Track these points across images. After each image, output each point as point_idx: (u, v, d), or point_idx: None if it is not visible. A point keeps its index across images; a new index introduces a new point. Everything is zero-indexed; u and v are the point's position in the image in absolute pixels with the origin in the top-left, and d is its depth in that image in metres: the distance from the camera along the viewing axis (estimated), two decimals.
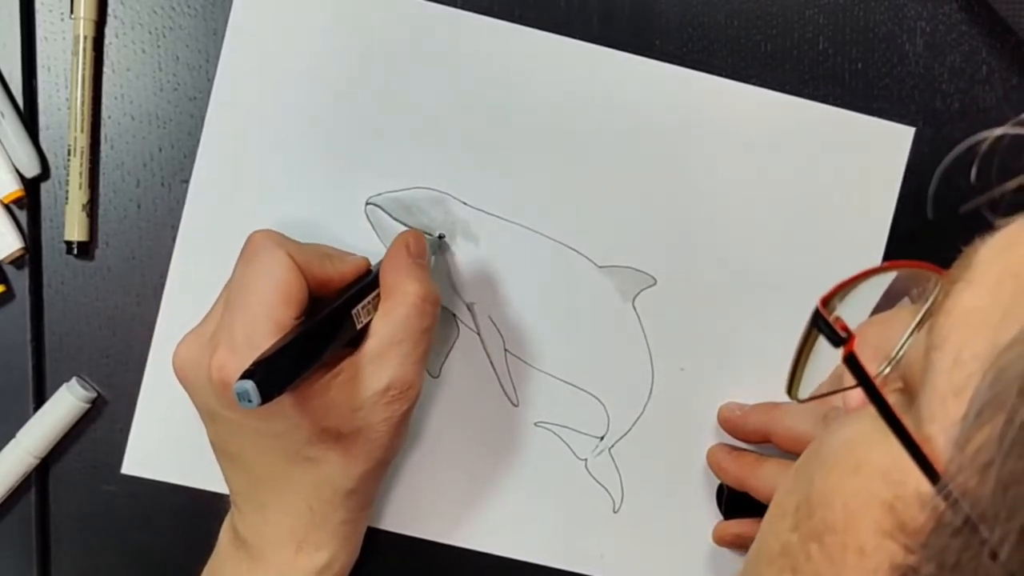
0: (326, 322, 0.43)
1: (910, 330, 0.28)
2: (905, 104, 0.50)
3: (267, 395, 0.38)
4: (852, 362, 0.26)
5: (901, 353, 0.29)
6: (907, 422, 0.24)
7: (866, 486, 0.25)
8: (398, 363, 0.43)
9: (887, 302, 0.30)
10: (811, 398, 0.30)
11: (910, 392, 0.26)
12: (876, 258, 0.50)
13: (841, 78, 0.50)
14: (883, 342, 0.29)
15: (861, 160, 0.50)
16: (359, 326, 0.43)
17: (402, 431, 0.45)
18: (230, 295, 0.43)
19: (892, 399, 0.26)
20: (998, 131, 0.29)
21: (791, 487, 0.30)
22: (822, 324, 0.28)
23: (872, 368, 0.28)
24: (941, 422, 0.23)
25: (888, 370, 0.29)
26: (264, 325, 0.41)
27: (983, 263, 0.25)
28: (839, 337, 0.27)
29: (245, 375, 0.38)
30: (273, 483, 0.44)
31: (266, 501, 0.45)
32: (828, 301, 0.28)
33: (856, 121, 0.50)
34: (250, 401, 0.37)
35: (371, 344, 0.43)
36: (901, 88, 0.50)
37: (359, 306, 0.44)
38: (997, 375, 0.22)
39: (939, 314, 0.25)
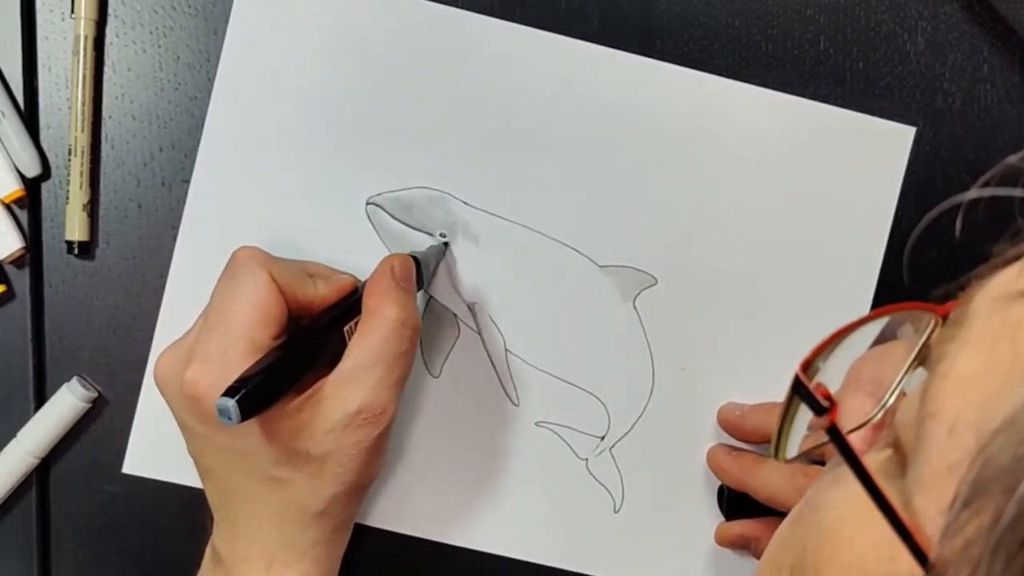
0: (308, 343, 0.43)
1: (904, 370, 0.27)
2: (906, 103, 0.50)
3: (247, 414, 0.38)
4: (836, 436, 0.25)
5: (892, 399, 0.27)
6: (896, 493, 0.23)
7: (858, 562, 0.24)
8: (371, 387, 0.42)
9: (888, 331, 0.29)
10: (799, 456, 0.29)
11: (902, 454, 0.25)
12: (876, 259, 0.50)
13: (842, 78, 0.50)
14: (881, 378, 0.28)
15: (862, 160, 0.50)
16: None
17: (375, 455, 0.44)
18: (210, 310, 0.43)
19: (882, 459, 0.25)
20: (970, 194, 0.27)
21: (786, 540, 0.29)
22: (803, 392, 0.26)
23: (867, 409, 0.27)
24: (933, 497, 0.22)
25: (880, 414, 0.28)
26: (239, 344, 0.41)
27: (979, 319, 0.24)
28: (821, 406, 0.26)
29: (228, 392, 0.38)
30: (242, 500, 0.44)
31: (236, 517, 0.45)
32: (809, 365, 0.27)
33: (857, 121, 0.50)
34: (230, 419, 0.38)
35: (345, 366, 0.43)
36: (902, 87, 0.50)
37: (347, 326, 0.44)
38: (985, 464, 0.21)
39: (934, 377, 0.24)
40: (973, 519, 0.21)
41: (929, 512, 0.22)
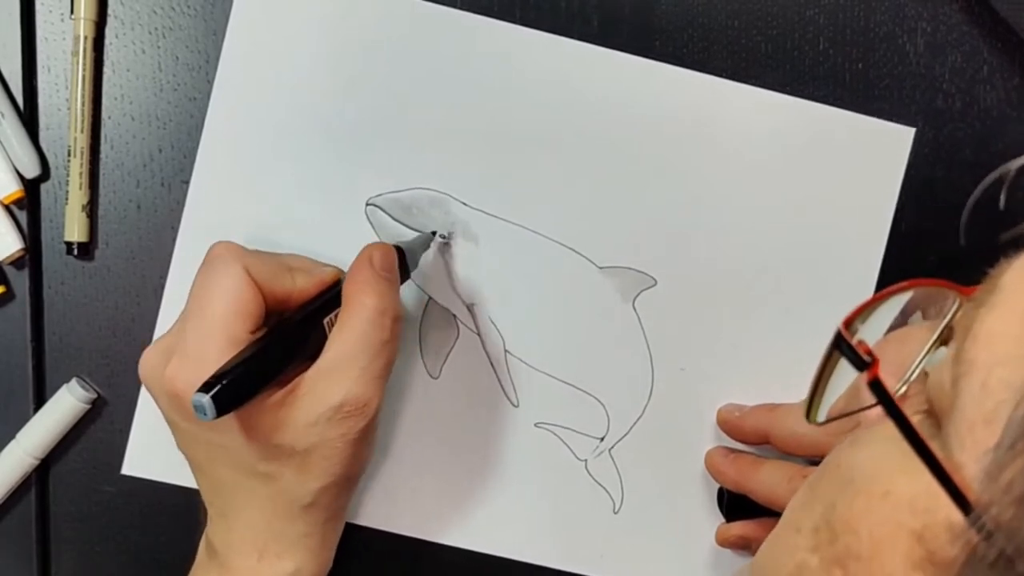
0: (286, 337, 0.42)
1: (927, 348, 0.28)
2: (906, 104, 0.50)
3: (223, 409, 0.38)
4: (878, 388, 0.26)
5: (916, 372, 0.28)
6: (935, 449, 0.24)
7: (893, 515, 0.25)
8: (354, 378, 0.42)
9: (900, 319, 0.30)
10: (829, 420, 0.30)
11: (937, 417, 0.25)
12: (876, 259, 0.50)
13: (841, 78, 0.50)
14: (902, 359, 0.29)
15: (861, 160, 0.50)
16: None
17: (362, 447, 0.44)
18: (187, 307, 0.43)
19: (916, 422, 0.26)
20: (1018, 162, 0.28)
21: (806, 502, 0.29)
22: (845, 348, 0.27)
23: (891, 386, 0.28)
24: (971, 450, 0.23)
25: (905, 388, 0.28)
26: (217, 339, 0.41)
27: (1010, 287, 0.24)
28: (863, 361, 0.26)
29: (203, 388, 0.38)
30: (231, 493, 0.44)
31: (227, 510, 0.45)
32: (851, 323, 0.28)
33: (856, 121, 0.50)
34: (205, 414, 0.37)
35: (325, 359, 0.42)
36: (902, 88, 0.50)
37: (327, 318, 0.43)
38: None
39: (966, 339, 0.24)
40: (1017, 459, 0.21)
41: (967, 463, 0.23)
